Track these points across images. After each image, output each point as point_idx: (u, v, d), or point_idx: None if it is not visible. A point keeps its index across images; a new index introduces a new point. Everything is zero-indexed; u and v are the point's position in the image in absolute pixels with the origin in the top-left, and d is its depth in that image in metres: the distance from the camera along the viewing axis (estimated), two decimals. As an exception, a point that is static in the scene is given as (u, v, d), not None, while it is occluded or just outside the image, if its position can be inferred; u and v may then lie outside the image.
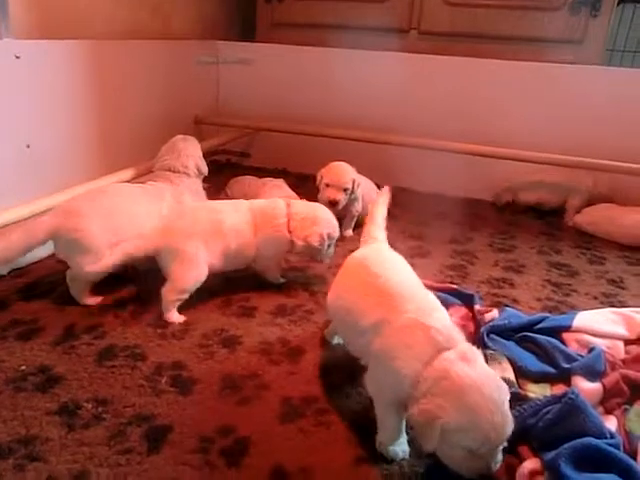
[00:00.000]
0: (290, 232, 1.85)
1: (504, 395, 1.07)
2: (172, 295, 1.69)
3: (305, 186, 2.27)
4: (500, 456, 1.07)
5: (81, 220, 1.67)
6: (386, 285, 1.26)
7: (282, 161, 3.29)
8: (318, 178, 2.33)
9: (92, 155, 2.32)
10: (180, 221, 1.76)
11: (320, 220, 1.87)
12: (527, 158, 2.70)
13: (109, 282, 1.81)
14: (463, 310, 1.69)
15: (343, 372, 1.45)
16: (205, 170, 2.16)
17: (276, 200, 1.93)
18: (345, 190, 2.26)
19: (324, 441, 1.23)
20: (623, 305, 1.86)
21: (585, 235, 2.60)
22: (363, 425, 1.27)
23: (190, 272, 1.69)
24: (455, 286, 1.85)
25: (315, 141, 3.03)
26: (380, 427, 1.22)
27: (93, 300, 1.75)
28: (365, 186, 2.46)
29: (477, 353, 1.12)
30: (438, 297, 1.70)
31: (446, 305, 1.66)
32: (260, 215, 1.85)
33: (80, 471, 1.13)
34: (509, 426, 1.04)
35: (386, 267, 1.34)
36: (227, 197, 2.54)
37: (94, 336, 1.59)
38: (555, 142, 2.74)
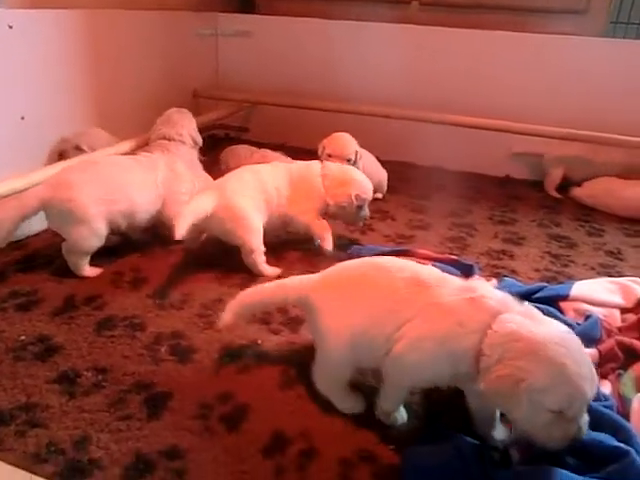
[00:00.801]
0: (326, 191, 1.90)
1: (583, 346, 1.02)
2: (255, 257, 1.77)
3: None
4: (587, 417, 1.01)
5: (72, 191, 1.67)
6: (414, 277, 1.17)
7: (281, 135, 3.25)
8: (320, 149, 2.31)
9: (88, 127, 2.29)
10: (230, 183, 1.82)
11: (351, 181, 1.91)
12: (529, 131, 2.66)
13: (107, 254, 1.81)
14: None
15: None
16: (200, 141, 2.17)
17: (311, 162, 2.01)
18: (348, 161, 2.24)
19: (323, 407, 1.25)
20: (621, 276, 1.86)
21: (584, 208, 2.60)
22: (361, 391, 1.28)
23: (252, 231, 1.77)
24: (455, 257, 1.85)
25: (315, 115, 2.99)
26: (385, 397, 1.20)
27: (91, 272, 1.75)
28: (366, 159, 2.44)
29: (537, 311, 1.08)
30: (438, 267, 1.72)
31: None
32: (297, 174, 1.93)
33: (81, 436, 1.14)
34: (596, 378, 1.00)
35: (399, 263, 1.24)
36: (222, 169, 2.51)
37: (93, 307, 1.59)
38: (557, 114, 2.70)
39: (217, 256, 1.88)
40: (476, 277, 1.70)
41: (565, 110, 2.73)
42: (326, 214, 1.95)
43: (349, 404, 1.24)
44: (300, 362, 1.39)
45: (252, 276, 1.79)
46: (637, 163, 2.65)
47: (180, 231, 1.60)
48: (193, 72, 3.11)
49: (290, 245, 2.00)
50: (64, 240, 1.72)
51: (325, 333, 1.22)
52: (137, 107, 2.56)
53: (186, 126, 2.11)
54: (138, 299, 1.64)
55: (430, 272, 1.21)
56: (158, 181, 1.85)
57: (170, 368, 1.36)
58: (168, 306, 1.62)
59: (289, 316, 1.59)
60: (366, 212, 1.95)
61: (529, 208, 2.57)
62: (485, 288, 1.14)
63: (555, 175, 2.78)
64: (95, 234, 1.71)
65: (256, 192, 1.84)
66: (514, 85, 2.85)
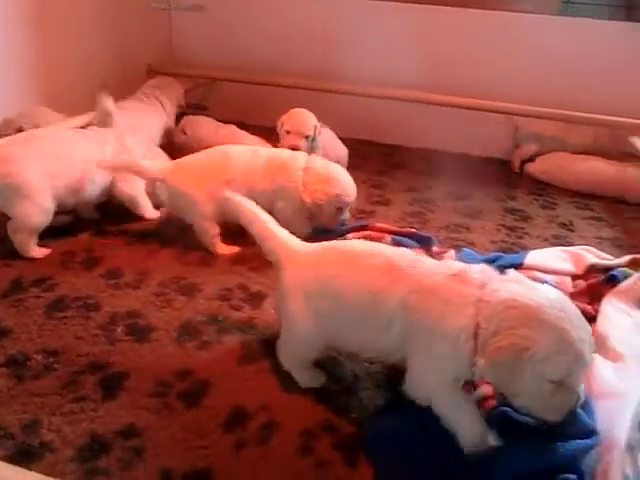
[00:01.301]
0: (304, 187, 1.77)
1: (574, 306, 0.99)
2: (203, 238, 1.75)
3: (265, 139, 2.24)
4: (583, 385, 0.98)
5: (14, 164, 1.59)
6: (388, 260, 1.11)
7: (240, 113, 3.16)
8: (278, 125, 2.26)
9: (35, 104, 2.17)
10: (190, 162, 1.79)
11: (333, 180, 1.77)
12: (491, 108, 2.69)
13: (58, 234, 1.74)
14: (421, 252, 1.70)
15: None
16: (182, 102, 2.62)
17: (297, 153, 1.89)
18: (306, 137, 2.20)
19: (284, 380, 1.24)
20: (571, 245, 1.91)
21: (539, 182, 2.66)
22: (323, 365, 1.28)
23: (202, 214, 1.73)
24: (413, 229, 1.86)
25: (275, 92, 2.92)
26: (460, 430, 1.04)
27: (40, 252, 1.67)
28: (326, 136, 2.42)
29: (523, 276, 1.05)
30: (397, 240, 1.74)
31: (405, 248, 1.70)
32: (276, 164, 1.80)
33: (31, 420, 1.10)
34: (593, 340, 0.96)
35: (369, 246, 1.19)
36: (182, 139, 2.45)
37: (43, 289, 1.53)
38: (521, 92, 2.72)
39: (174, 234, 1.84)
40: (435, 248, 1.72)
41: (530, 87, 2.76)
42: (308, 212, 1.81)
43: (309, 379, 1.23)
44: (261, 337, 1.38)
45: (210, 255, 1.76)
46: (604, 142, 2.71)
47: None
48: (146, 47, 2.98)
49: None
50: (9, 219, 1.64)
51: (292, 314, 1.19)
52: (88, 84, 2.44)
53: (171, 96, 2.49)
54: (91, 279, 1.58)
55: (402, 254, 1.14)
56: (107, 155, 1.78)
57: (126, 348, 1.32)
58: (123, 285, 1.57)
59: (250, 292, 1.57)
60: (346, 216, 1.83)
61: (486, 183, 2.61)
62: (461, 264, 1.10)
63: (527, 149, 2.80)
64: (41, 210, 1.63)
65: (218, 175, 1.75)
66: (476, 62, 2.85)
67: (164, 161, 1.85)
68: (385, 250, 1.17)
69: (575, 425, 1.03)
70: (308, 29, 3.03)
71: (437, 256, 1.67)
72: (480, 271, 1.04)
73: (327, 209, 1.76)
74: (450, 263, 1.12)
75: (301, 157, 1.84)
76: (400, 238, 1.74)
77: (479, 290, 1.00)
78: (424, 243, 1.75)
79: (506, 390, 0.99)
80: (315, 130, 2.25)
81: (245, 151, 1.85)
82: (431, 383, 1.05)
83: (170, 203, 1.79)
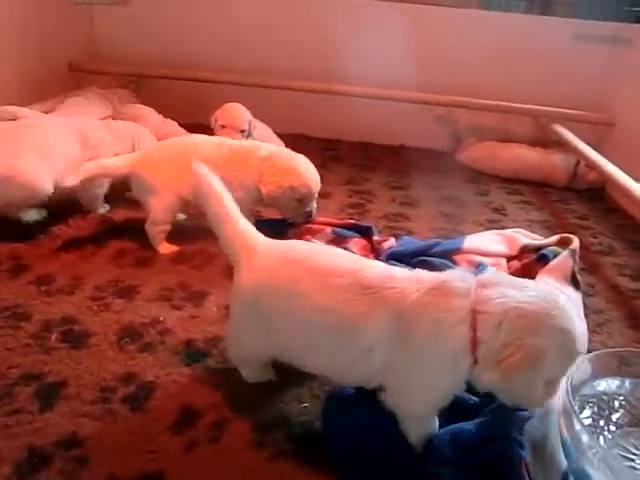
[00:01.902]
0: (260, 177, 1.71)
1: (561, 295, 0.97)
2: (153, 228, 1.71)
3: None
4: None
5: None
6: (359, 279, 1.00)
7: (170, 111, 3.07)
8: (212, 120, 2.23)
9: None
10: (152, 151, 1.78)
11: (291, 170, 1.69)
12: (422, 99, 2.79)
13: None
14: (363, 242, 1.74)
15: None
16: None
17: (263, 144, 1.85)
18: (242, 132, 2.18)
19: (233, 376, 1.21)
20: (504, 229, 2.00)
21: (472, 170, 2.78)
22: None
23: (160, 203, 1.69)
24: (353, 221, 1.88)
25: (208, 88, 2.87)
26: (413, 436, 1.03)
27: (-40, 261, 1.56)
28: (262, 131, 2.40)
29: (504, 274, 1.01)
30: (338, 233, 1.75)
31: (346, 239, 1.72)
32: (238, 153, 1.74)
33: (-40, 440, 1.02)
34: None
35: (340, 258, 1.08)
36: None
37: (-35, 301, 1.42)
38: (436, 83, 2.83)
39: (108, 236, 1.77)
40: (375, 237, 1.75)
41: (457, 79, 2.87)
42: (262, 203, 1.77)
43: (257, 375, 1.21)
44: (205, 335, 1.35)
45: (147, 255, 1.70)
46: (539, 131, 2.84)
47: (72, 179, 1.63)
48: (67, 43, 2.84)
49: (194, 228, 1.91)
50: None
51: (238, 324, 1.15)
52: (3, 83, 2.30)
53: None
54: (19, 287, 1.49)
55: (372, 269, 1.03)
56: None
57: (63, 355, 1.25)
58: (56, 291, 1.48)
59: (191, 291, 1.53)
60: (311, 208, 1.75)
61: (422, 174, 2.69)
62: (434, 273, 1.02)
63: (469, 143, 2.90)
64: None
65: (182, 164, 1.64)
66: (407, 54, 2.92)
67: (127, 155, 1.81)
68: (353, 265, 1.05)
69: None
70: (238, 23, 3.00)
71: (378, 245, 1.70)
72: (460, 279, 0.97)
73: (284, 202, 1.72)
74: (422, 275, 1.02)
75: (265, 147, 1.79)
76: (340, 230, 1.75)
77: (467, 300, 0.93)
78: (364, 233, 1.77)
79: (509, 397, 0.96)
80: (250, 125, 2.23)
81: (211, 140, 1.81)
82: (416, 406, 1.02)
83: (136, 193, 1.76)
